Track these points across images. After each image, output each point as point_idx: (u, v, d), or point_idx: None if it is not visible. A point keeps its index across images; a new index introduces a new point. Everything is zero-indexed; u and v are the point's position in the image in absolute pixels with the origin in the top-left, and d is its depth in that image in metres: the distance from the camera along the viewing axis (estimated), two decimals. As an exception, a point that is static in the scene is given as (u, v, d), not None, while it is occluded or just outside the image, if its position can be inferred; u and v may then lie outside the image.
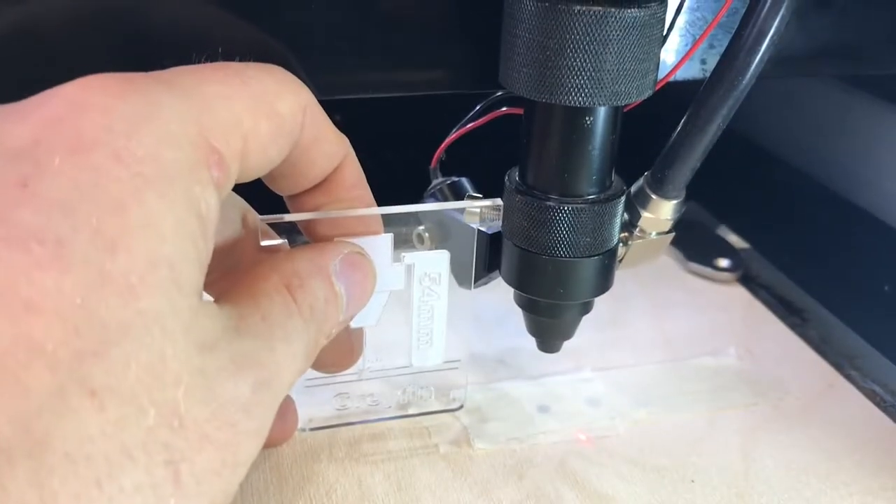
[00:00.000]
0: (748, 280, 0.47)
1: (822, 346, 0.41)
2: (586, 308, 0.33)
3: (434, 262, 0.31)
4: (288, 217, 0.28)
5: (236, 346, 0.22)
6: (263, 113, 0.24)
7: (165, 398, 0.20)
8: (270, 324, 0.24)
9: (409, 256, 0.30)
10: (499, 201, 0.30)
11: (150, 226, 0.20)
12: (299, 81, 0.26)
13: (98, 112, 0.21)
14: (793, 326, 0.43)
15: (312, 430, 0.33)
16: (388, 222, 0.29)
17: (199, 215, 0.21)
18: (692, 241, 0.47)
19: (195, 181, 0.21)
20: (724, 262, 0.47)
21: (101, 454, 0.18)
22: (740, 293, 0.46)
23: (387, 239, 0.29)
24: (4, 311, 0.18)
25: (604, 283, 0.32)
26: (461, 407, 0.35)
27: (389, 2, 0.29)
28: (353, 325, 0.30)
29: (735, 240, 0.51)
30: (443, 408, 0.35)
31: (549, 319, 0.33)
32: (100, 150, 0.20)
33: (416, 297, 0.31)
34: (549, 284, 0.31)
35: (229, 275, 0.28)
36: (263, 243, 0.28)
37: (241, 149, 0.24)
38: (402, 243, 0.30)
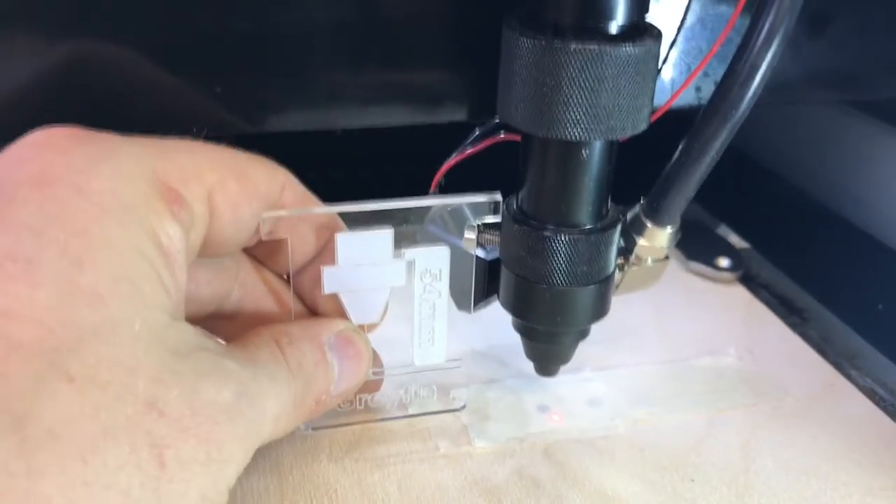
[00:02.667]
0: (748, 280, 0.47)
1: (822, 346, 0.41)
2: (583, 334, 0.33)
3: (435, 258, 0.31)
4: (287, 212, 0.28)
5: (217, 361, 0.24)
6: (231, 173, 0.26)
7: (142, 390, 0.21)
8: (256, 362, 0.25)
9: (410, 252, 0.30)
10: (497, 196, 0.31)
11: (110, 247, 0.22)
12: (277, 164, 0.28)
13: (59, 153, 0.23)
14: (793, 326, 0.43)
15: (314, 429, 0.33)
16: (389, 218, 0.29)
17: (158, 244, 0.23)
18: (693, 241, 0.47)
19: (151, 212, 0.23)
20: (724, 262, 0.47)
21: (84, 432, 0.19)
22: (741, 293, 0.46)
23: (387, 234, 0.29)
24: None
25: (600, 310, 0.32)
26: (464, 407, 0.35)
27: (390, 35, 0.30)
28: (356, 322, 0.30)
29: (735, 240, 0.51)
30: (445, 408, 0.34)
31: (547, 345, 0.34)
32: (62, 183, 0.22)
33: (417, 294, 0.31)
34: (547, 312, 0.32)
35: (229, 320, 0.30)
36: (265, 237, 0.28)
37: (203, 195, 0.25)
38: (402, 239, 0.30)
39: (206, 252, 0.27)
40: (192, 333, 0.24)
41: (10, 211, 0.21)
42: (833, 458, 0.33)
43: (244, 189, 0.27)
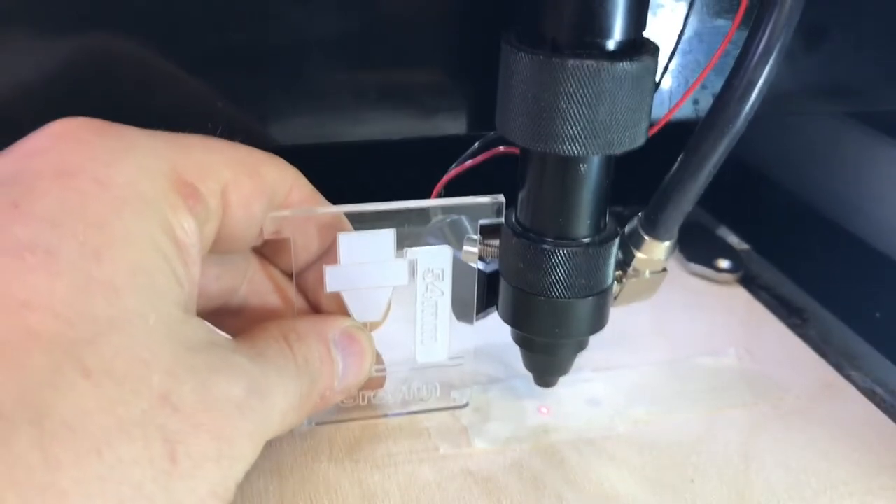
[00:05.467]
0: (748, 281, 0.47)
1: (822, 346, 0.41)
2: (581, 345, 0.34)
3: (437, 258, 0.31)
4: (290, 213, 0.28)
5: (229, 356, 0.24)
6: (245, 171, 0.27)
7: (156, 384, 0.21)
8: (265, 358, 0.26)
9: (412, 252, 0.30)
10: (500, 198, 0.31)
11: (129, 241, 0.22)
12: (287, 163, 0.28)
13: (79, 144, 0.23)
14: (793, 327, 0.43)
15: (317, 424, 0.33)
16: (392, 219, 0.30)
17: (173, 237, 0.23)
18: (693, 243, 0.47)
19: (168, 206, 0.24)
20: (724, 264, 0.47)
21: (99, 426, 0.19)
22: (740, 294, 0.46)
23: (390, 234, 0.29)
24: (3, 308, 0.20)
25: (598, 322, 0.33)
26: (467, 404, 0.35)
27: (389, 50, 0.30)
28: (359, 320, 0.31)
29: (735, 241, 0.51)
30: (448, 405, 0.35)
31: (546, 357, 0.34)
32: (83, 175, 0.22)
33: (419, 293, 0.31)
34: (546, 324, 0.32)
35: (235, 315, 0.30)
36: (268, 236, 0.29)
37: (219, 190, 0.26)
38: (404, 240, 0.30)
39: (217, 249, 0.27)
40: (204, 328, 0.24)
41: (29, 201, 0.21)
42: (833, 457, 0.33)
43: (256, 187, 0.27)
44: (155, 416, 0.20)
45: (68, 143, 0.23)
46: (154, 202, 0.23)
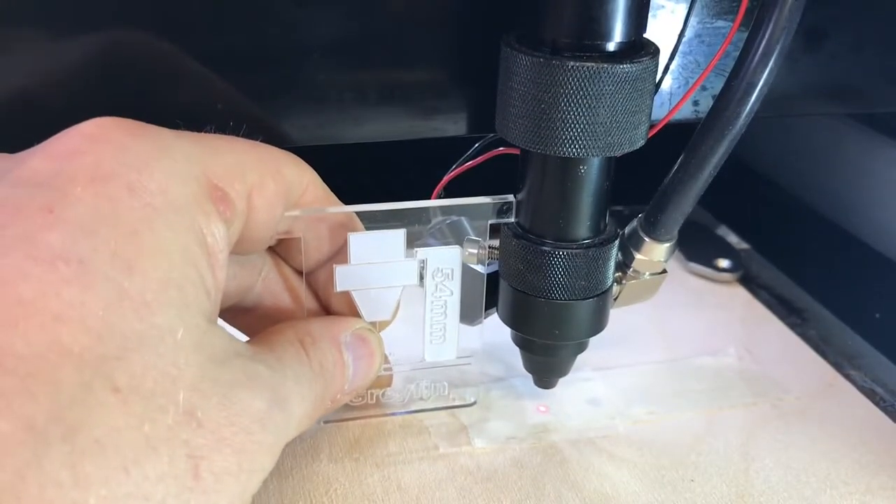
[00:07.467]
0: (748, 280, 0.47)
1: (822, 346, 0.41)
2: (581, 347, 0.34)
3: (447, 258, 0.31)
4: (300, 212, 0.29)
5: (251, 367, 0.24)
6: (269, 173, 0.27)
7: (183, 400, 0.21)
8: (283, 364, 0.26)
9: (422, 252, 0.31)
10: (510, 198, 0.31)
11: (160, 251, 0.22)
12: (305, 163, 0.28)
13: (113, 147, 0.23)
14: (792, 326, 0.43)
15: (325, 423, 0.33)
16: (399, 219, 0.30)
17: (203, 245, 0.23)
18: (692, 242, 0.47)
19: (200, 213, 0.23)
20: (724, 263, 0.47)
21: (127, 444, 0.20)
22: (740, 293, 0.46)
23: (400, 234, 0.30)
24: (36, 321, 0.20)
25: (598, 323, 0.33)
26: (475, 403, 0.35)
27: (390, 52, 0.30)
28: (368, 319, 0.31)
29: (735, 240, 0.51)
30: (456, 403, 0.35)
31: (545, 358, 0.34)
32: (115, 181, 0.22)
33: (429, 293, 0.31)
34: (545, 325, 0.32)
35: (248, 312, 0.30)
36: (279, 236, 0.29)
37: (246, 193, 0.26)
38: (414, 240, 0.30)
39: (236, 250, 0.27)
40: (226, 338, 0.24)
41: (63, 206, 0.21)
42: (833, 457, 0.33)
43: (279, 189, 0.27)
44: (180, 432, 0.20)
45: (101, 146, 0.23)
46: (186, 209, 0.23)
